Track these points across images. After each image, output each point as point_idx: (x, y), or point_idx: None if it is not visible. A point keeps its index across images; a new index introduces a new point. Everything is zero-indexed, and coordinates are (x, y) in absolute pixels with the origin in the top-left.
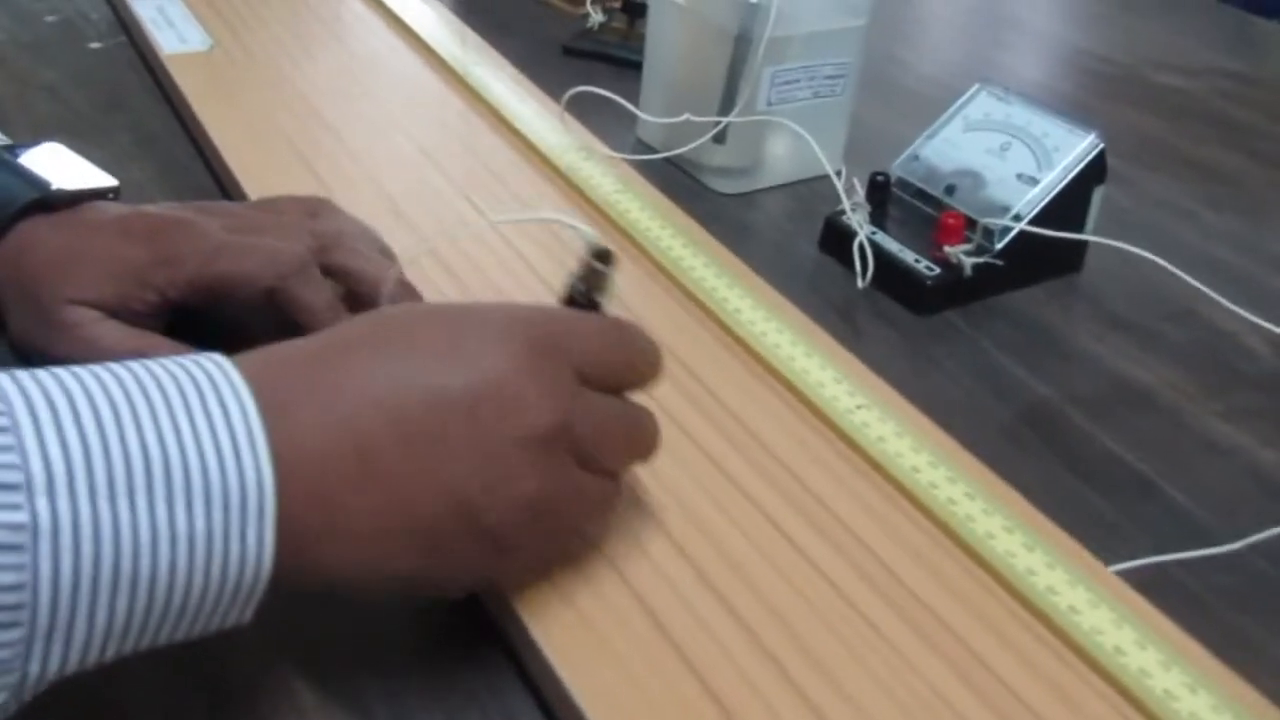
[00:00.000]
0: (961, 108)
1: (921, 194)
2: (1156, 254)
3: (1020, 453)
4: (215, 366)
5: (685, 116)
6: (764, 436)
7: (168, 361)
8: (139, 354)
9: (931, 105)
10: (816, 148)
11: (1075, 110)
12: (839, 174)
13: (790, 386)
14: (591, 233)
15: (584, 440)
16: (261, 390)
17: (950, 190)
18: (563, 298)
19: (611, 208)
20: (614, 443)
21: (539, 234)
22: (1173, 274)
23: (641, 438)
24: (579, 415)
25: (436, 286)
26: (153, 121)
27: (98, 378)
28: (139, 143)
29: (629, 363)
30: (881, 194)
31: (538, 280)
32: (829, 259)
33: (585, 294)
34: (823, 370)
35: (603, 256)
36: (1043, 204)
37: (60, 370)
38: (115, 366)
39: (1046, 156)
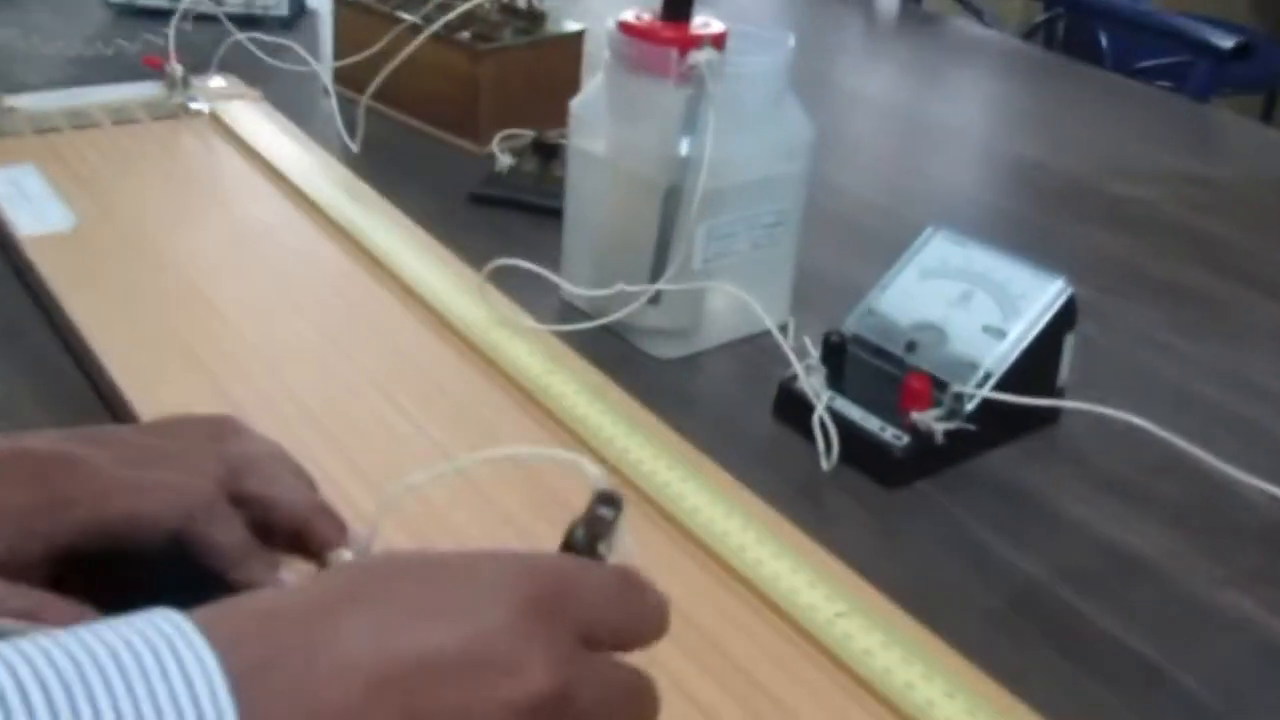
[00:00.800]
0: (915, 254)
1: (880, 352)
2: (1136, 404)
3: (1010, 640)
4: (174, 628)
5: (618, 287)
6: (738, 656)
7: (119, 625)
8: (28, 616)
9: (879, 240)
10: (758, 307)
11: (1028, 230)
12: (785, 329)
13: (762, 596)
14: (597, 472)
15: (584, 713)
16: (227, 656)
17: (911, 347)
18: (561, 544)
19: (544, 392)
20: (616, 715)
21: (507, 467)
22: (1155, 431)
23: (643, 710)
24: (581, 683)
25: (385, 537)
26: (15, 315)
27: (46, 655)
28: (1, 341)
29: (637, 623)
30: (838, 355)
31: (504, 522)
32: (785, 429)
33: (587, 542)
34: (795, 574)
35: (609, 501)
36: (1013, 359)
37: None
38: (63, 638)
39: (1012, 305)
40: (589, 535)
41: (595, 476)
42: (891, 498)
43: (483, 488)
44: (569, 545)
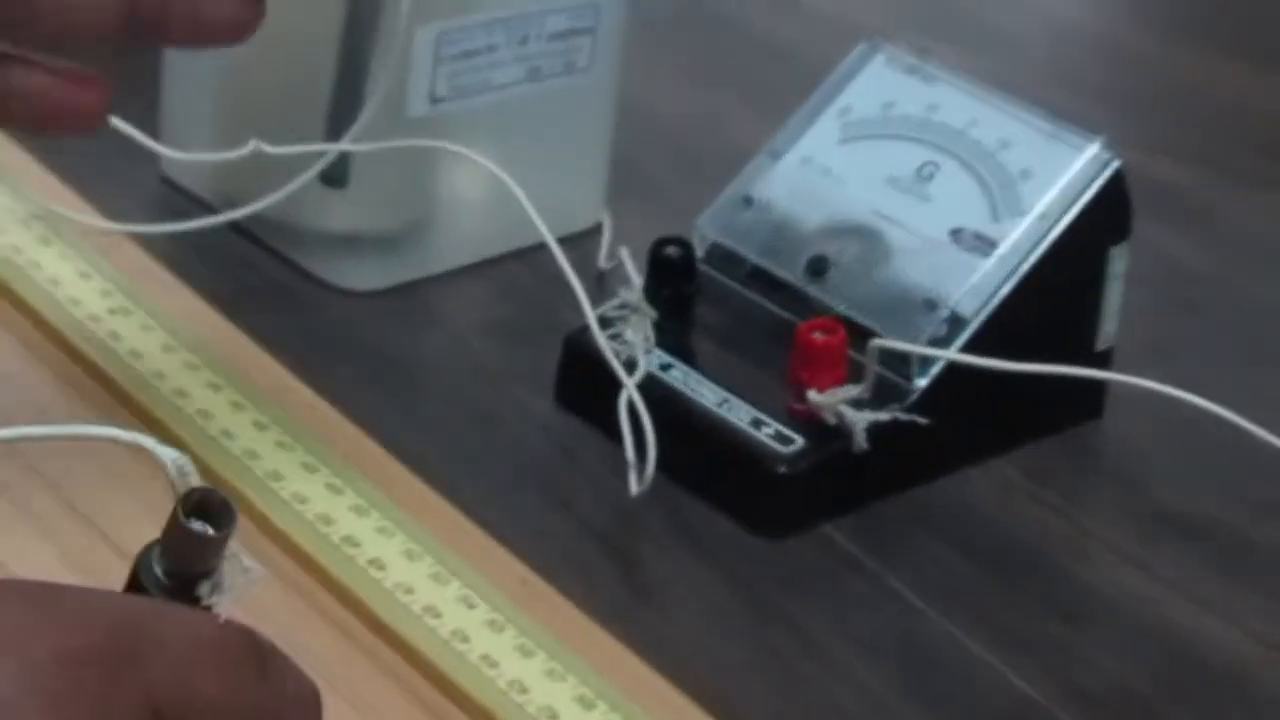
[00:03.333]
0: (835, 92)
1: (760, 277)
2: (1254, 389)
3: None
4: None
5: (252, 145)
6: None
7: None
8: None
9: (772, 71)
10: (521, 194)
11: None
12: (592, 236)
13: None
14: (177, 460)
15: None
16: None
17: (817, 269)
18: (128, 579)
19: (105, 349)
20: None
21: (72, 454)
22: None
23: None
24: None
25: None
26: None
27: None
28: None
29: (251, 710)
30: (678, 282)
31: (43, 537)
32: (578, 423)
33: (169, 575)
34: (568, 701)
35: (209, 509)
36: (1006, 294)
37: None
38: None
39: (1009, 191)
40: (172, 564)
41: (173, 467)
42: (768, 555)
43: (13, 489)
44: (136, 580)
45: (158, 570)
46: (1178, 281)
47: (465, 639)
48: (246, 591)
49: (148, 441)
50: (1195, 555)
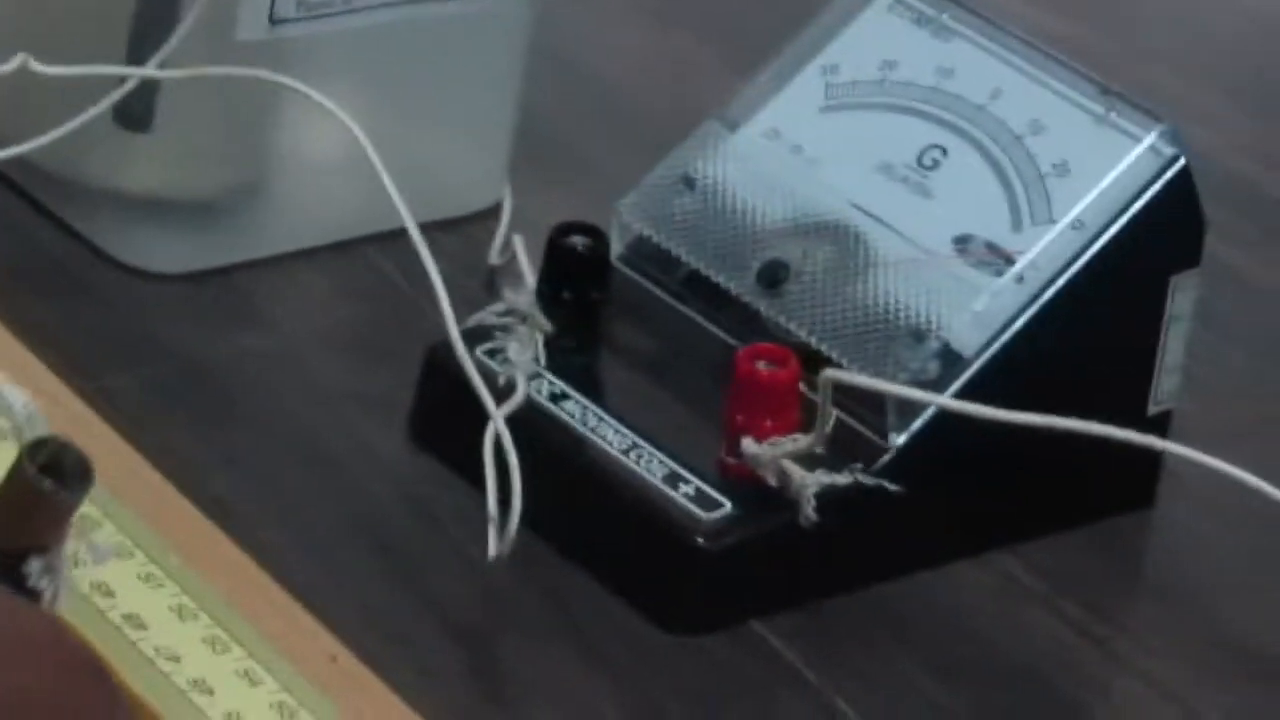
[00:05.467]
0: (818, 45)
1: (697, 284)
2: None
3: None
4: None
5: (19, 60)
6: None
7: None
8: None
9: (759, 29)
10: (373, 156)
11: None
12: (489, 217)
13: None
14: (27, 403)
15: None
16: None
17: (773, 278)
18: None
19: None
20: None
21: None
22: None
23: None
24: None
25: None
26: None
27: None
28: None
29: None
30: (582, 284)
31: None
32: (436, 466)
33: (2, 546)
34: None
35: (57, 463)
36: (1024, 322)
37: None
38: None
39: (1037, 190)
40: (2, 533)
41: (22, 412)
42: (675, 660)
43: None
44: None
45: None
46: (1274, 332)
47: None
48: (91, 573)
49: None
50: (1261, 702)
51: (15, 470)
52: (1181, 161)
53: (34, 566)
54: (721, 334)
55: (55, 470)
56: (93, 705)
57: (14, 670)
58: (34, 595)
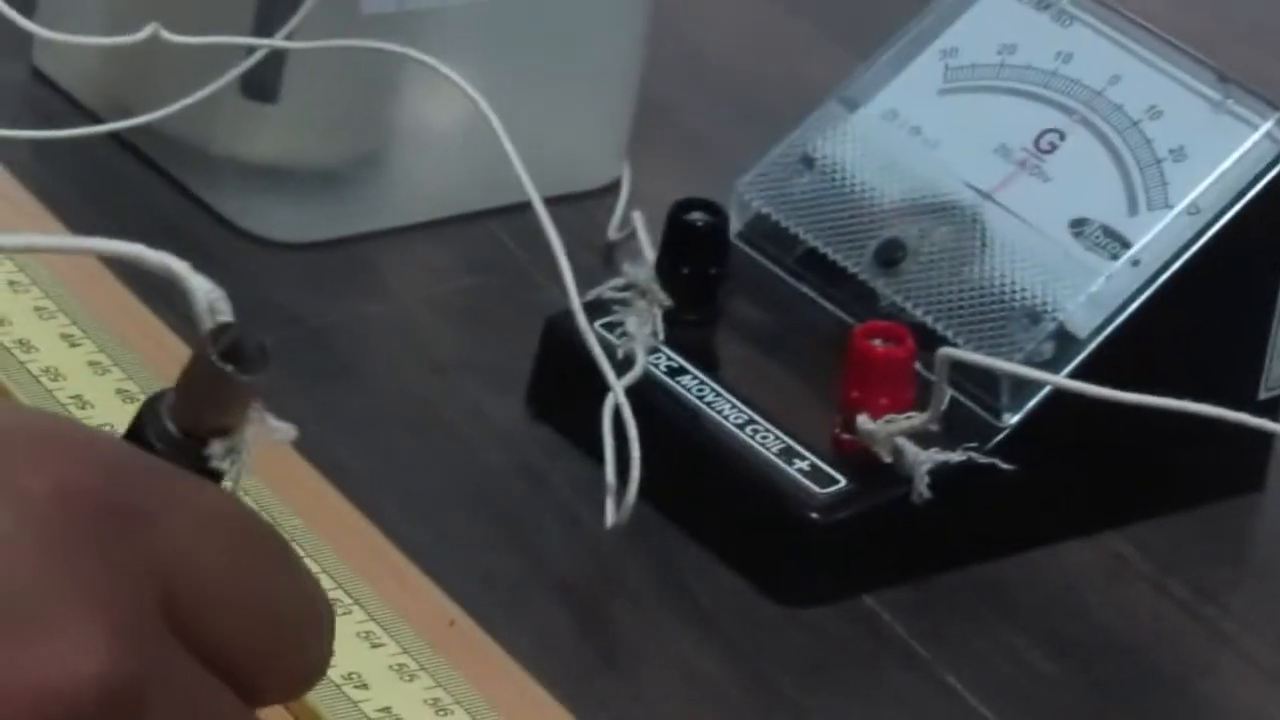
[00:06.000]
0: (938, 28)
1: (815, 262)
2: None
3: None
4: None
5: (151, 29)
6: None
7: None
8: None
9: (876, 12)
10: (500, 130)
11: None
12: (609, 194)
13: None
14: (211, 290)
15: None
16: None
17: (890, 257)
18: (128, 428)
19: None
20: None
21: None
22: None
23: None
24: (159, 687)
25: None
26: None
27: None
28: None
29: (271, 625)
30: (702, 260)
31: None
32: (553, 436)
33: (187, 429)
34: None
35: (238, 350)
36: (1137, 306)
37: None
38: None
39: (1154, 175)
40: (186, 415)
41: (204, 299)
42: (786, 632)
43: None
44: (138, 431)
45: (168, 422)
46: None
47: (363, 685)
48: (268, 451)
49: (178, 266)
50: None
51: (197, 356)
52: None
53: (216, 449)
54: (838, 312)
55: (236, 356)
56: (267, 572)
57: (208, 549)
58: (216, 476)
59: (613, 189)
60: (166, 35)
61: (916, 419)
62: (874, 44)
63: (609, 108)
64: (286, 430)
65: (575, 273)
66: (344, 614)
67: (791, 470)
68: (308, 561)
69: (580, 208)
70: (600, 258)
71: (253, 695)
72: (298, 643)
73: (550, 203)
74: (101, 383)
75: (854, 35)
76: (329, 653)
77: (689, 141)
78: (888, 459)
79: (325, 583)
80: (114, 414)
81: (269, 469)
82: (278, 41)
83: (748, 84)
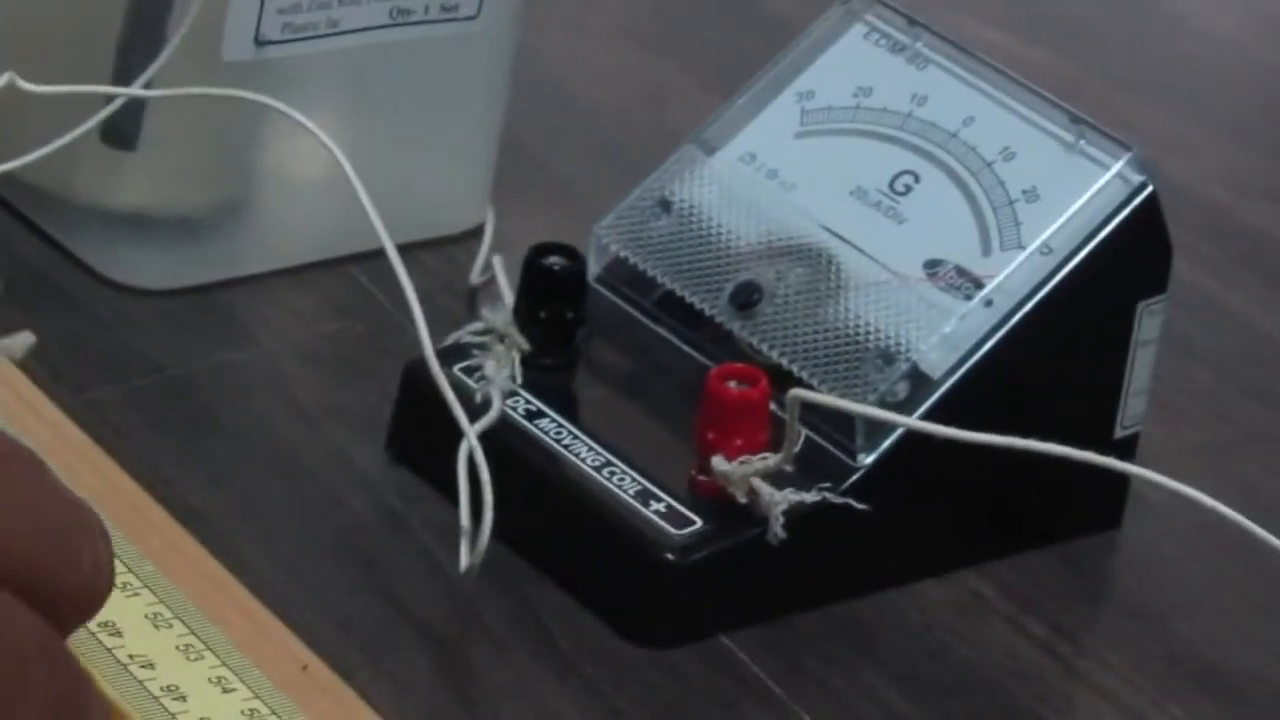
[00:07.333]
0: (795, 71)
1: (672, 305)
2: None
3: None
4: None
5: (6, 78)
6: None
7: None
8: None
9: (743, 57)
10: (352, 176)
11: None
12: (472, 238)
13: None
14: None
15: None
16: None
17: (746, 299)
18: None
19: None
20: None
21: None
22: None
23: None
24: None
25: None
26: None
27: None
28: None
29: (38, 527)
30: (559, 304)
31: None
32: (413, 481)
33: None
34: None
35: None
36: (991, 347)
37: None
38: None
39: (1007, 216)
40: None
41: None
42: (644, 674)
43: None
44: None
45: None
46: (1240, 356)
47: None
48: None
49: None
50: (1218, 718)
51: None
52: (1149, 189)
53: None
54: (696, 355)
55: None
56: (25, 484)
57: None
58: None
59: (478, 233)
60: (23, 84)
61: (771, 460)
62: (734, 87)
63: (473, 153)
64: (24, 337)
65: (438, 317)
66: (196, 660)
67: (648, 512)
68: (159, 606)
69: (444, 253)
70: (464, 302)
71: (50, 615)
72: (70, 549)
73: (415, 247)
74: None
75: (722, 79)
76: (107, 560)
77: (555, 186)
78: (743, 500)
79: (178, 628)
80: None
81: (125, 516)
82: (136, 90)
83: (615, 127)
